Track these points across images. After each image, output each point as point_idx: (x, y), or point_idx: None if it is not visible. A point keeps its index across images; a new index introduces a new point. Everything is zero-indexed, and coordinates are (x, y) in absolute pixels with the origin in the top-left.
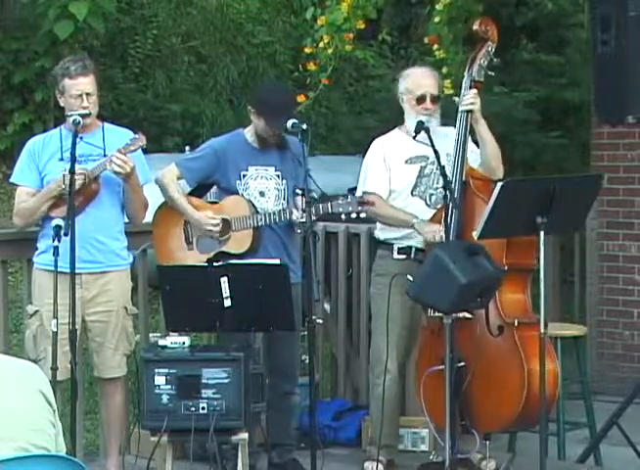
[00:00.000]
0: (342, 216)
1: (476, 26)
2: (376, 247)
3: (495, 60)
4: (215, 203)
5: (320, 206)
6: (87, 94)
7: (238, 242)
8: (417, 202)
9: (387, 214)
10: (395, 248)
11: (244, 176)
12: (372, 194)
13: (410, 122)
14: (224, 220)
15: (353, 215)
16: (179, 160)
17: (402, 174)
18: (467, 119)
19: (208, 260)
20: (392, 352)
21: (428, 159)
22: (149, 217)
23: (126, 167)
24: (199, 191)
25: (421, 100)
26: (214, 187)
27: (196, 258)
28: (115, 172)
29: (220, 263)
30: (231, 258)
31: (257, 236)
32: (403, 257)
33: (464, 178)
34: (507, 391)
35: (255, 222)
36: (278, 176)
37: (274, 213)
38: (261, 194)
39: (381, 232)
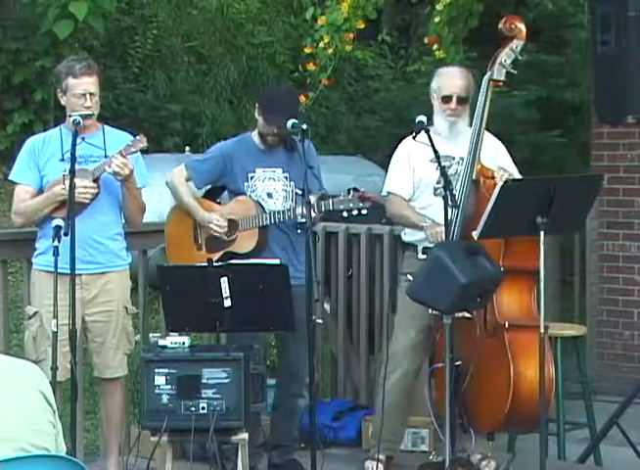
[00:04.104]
0: (345, 214)
1: (500, 25)
2: (403, 249)
3: (520, 57)
4: (224, 204)
5: (322, 203)
6: (90, 94)
7: (244, 242)
8: (439, 202)
9: (400, 215)
10: (420, 248)
11: (251, 178)
12: (394, 195)
13: (437, 121)
14: (231, 221)
15: (355, 213)
16: (188, 161)
17: (426, 173)
18: (482, 119)
19: (209, 260)
20: (410, 349)
21: (453, 159)
22: (152, 217)
23: (125, 170)
24: (212, 194)
25: (447, 100)
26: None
27: (204, 257)
28: (114, 173)
29: (220, 263)
30: (237, 257)
31: (263, 236)
32: (426, 256)
33: (475, 177)
34: (495, 392)
35: (261, 222)
36: (286, 178)
37: (279, 213)
38: (269, 195)
39: (404, 234)
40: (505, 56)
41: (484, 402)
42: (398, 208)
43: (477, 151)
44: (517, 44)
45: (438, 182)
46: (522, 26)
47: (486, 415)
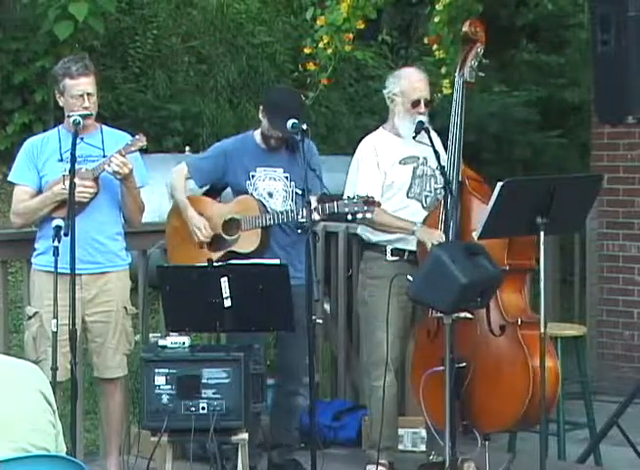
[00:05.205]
0: (349, 217)
1: (465, 28)
2: (363, 249)
3: (484, 61)
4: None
5: (326, 205)
6: (88, 94)
7: (246, 241)
8: (413, 204)
9: (386, 222)
10: (389, 250)
11: (252, 177)
12: None
13: (402, 124)
14: (234, 220)
15: (359, 216)
16: (190, 159)
17: (398, 175)
18: (461, 120)
19: (209, 260)
20: (390, 354)
21: (418, 159)
22: (151, 217)
23: (125, 169)
24: (213, 192)
25: (416, 104)
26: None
27: (206, 256)
28: (114, 173)
29: (220, 263)
30: (239, 257)
31: (266, 236)
32: (397, 258)
33: (459, 178)
34: (513, 389)
35: (264, 222)
36: (286, 178)
37: (282, 213)
38: (270, 195)
39: (372, 234)
40: (473, 59)
41: (497, 402)
42: (380, 214)
43: (460, 153)
44: (480, 47)
45: (411, 186)
46: (483, 31)
47: (500, 414)
